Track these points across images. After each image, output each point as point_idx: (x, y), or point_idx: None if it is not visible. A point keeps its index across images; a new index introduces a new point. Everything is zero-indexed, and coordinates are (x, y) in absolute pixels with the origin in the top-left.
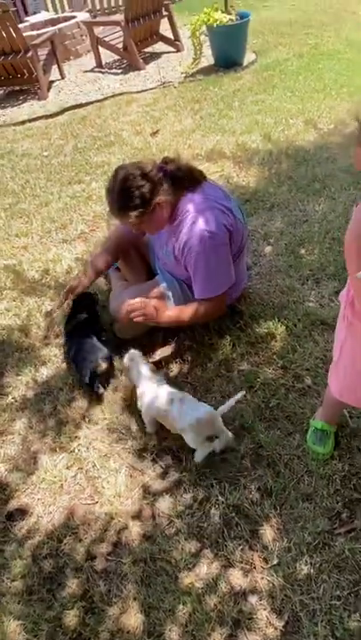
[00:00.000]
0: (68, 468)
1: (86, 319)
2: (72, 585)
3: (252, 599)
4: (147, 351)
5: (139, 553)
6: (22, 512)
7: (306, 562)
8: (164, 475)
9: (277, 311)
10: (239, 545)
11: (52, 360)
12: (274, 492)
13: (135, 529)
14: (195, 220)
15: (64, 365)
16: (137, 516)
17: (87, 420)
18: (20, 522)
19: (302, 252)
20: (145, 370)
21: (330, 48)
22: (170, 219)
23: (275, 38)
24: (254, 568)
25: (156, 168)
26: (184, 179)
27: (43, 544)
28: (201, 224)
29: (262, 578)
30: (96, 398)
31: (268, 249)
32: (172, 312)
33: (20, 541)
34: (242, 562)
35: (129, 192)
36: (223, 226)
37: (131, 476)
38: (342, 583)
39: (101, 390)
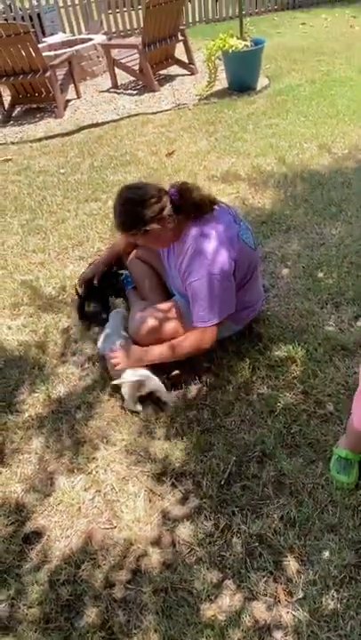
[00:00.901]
0: (85, 490)
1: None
2: (91, 614)
3: (277, 634)
4: (165, 371)
5: (159, 582)
6: (39, 535)
7: (332, 596)
8: (183, 500)
9: (297, 335)
10: (263, 576)
11: (70, 378)
12: (297, 522)
13: (155, 556)
14: (197, 253)
15: (81, 383)
16: (157, 542)
17: (105, 440)
18: (37, 545)
19: (320, 275)
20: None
21: (342, 75)
22: (176, 240)
23: (287, 64)
24: (279, 601)
25: (163, 193)
26: (192, 208)
27: (60, 569)
28: (202, 258)
29: (287, 612)
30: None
31: (285, 271)
32: (162, 347)
33: (37, 566)
34: (266, 594)
35: (127, 213)
36: (226, 260)
37: (150, 500)
38: None
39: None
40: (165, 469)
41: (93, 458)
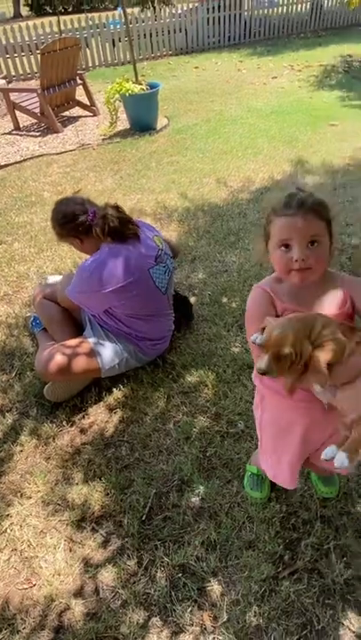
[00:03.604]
0: (0, 551)
1: None
2: None
3: None
4: (80, 412)
5: (84, 635)
6: None
7: (255, 612)
8: (105, 543)
9: (207, 359)
10: (188, 607)
11: None
12: (218, 545)
13: (78, 608)
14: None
15: None
16: (79, 593)
17: (19, 494)
18: None
19: (225, 300)
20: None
21: (233, 114)
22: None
23: (184, 105)
24: (205, 629)
25: (81, 214)
26: (105, 231)
27: None
28: (91, 261)
29: (214, 638)
30: None
31: (193, 299)
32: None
33: None
34: (192, 624)
35: (52, 225)
36: (107, 271)
37: (70, 550)
38: (291, 628)
39: None
40: (85, 515)
41: (7, 515)
